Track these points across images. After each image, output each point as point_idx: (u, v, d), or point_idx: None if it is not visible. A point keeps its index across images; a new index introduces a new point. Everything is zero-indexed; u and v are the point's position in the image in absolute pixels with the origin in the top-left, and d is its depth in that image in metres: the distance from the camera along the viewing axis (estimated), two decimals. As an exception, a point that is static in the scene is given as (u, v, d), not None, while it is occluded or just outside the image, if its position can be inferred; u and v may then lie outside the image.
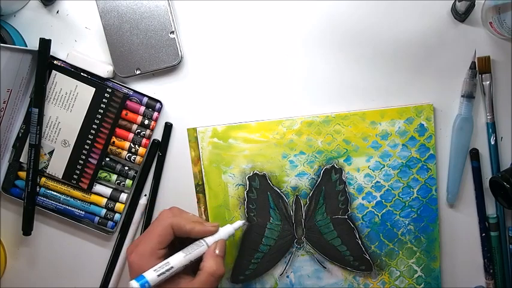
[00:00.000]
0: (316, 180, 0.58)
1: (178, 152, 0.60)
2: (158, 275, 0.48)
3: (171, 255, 0.50)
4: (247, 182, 0.59)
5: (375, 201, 0.59)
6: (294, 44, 0.58)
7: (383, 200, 0.59)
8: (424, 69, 0.57)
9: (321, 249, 0.59)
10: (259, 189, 0.59)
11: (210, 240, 0.52)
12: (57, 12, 0.59)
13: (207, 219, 0.59)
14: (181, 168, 0.60)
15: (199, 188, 0.59)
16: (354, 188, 0.59)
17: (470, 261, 0.59)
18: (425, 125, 0.57)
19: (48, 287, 0.62)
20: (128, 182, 0.59)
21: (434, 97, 0.57)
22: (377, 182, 0.58)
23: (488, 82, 0.56)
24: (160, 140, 0.59)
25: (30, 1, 0.59)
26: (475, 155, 0.58)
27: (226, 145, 0.58)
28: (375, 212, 0.59)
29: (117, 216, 0.60)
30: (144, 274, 0.48)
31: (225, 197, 0.59)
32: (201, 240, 0.51)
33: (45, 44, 0.56)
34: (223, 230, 0.53)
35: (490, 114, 0.57)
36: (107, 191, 0.60)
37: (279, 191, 0.59)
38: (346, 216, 0.59)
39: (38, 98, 0.57)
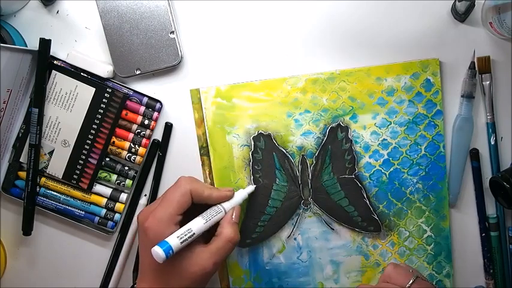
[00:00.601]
0: (322, 139, 0.58)
1: (180, 145, 0.60)
2: (181, 242, 0.47)
3: (185, 221, 0.50)
4: (252, 143, 0.58)
5: (382, 160, 0.58)
6: (294, 42, 0.58)
7: (390, 158, 0.58)
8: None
9: (328, 210, 0.59)
10: (265, 149, 0.58)
11: (226, 205, 0.53)
12: (57, 12, 0.59)
13: (212, 182, 0.58)
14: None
15: (204, 151, 0.58)
16: (360, 147, 0.58)
17: (470, 261, 0.59)
18: (431, 80, 0.56)
19: (48, 287, 0.62)
20: (128, 182, 0.59)
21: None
22: (384, 139, 0.57)
23: (488, 82, 0.56)
24: (160, 140, 0.59)
25: (30, 1, 0.59)
26: (475, 155, 0.57)
27: (230, 105, 0.58)
28: (382, 171, 0.58)
29: (117, 216, 0.60)
30: (167, 240, 0.47)
31: (230, 158, 0.58)
32: (219, 206, 0.52)
33: (45, 44, 0.56)
34: (238, 194, 0.55)
35: (490, 114, 0.57)
36: (107, 191, 0.60)
37: (284, 151, 0.58)
38: (353, 176, 0.58)
39: (38, 98, 0.57)
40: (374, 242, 0.59)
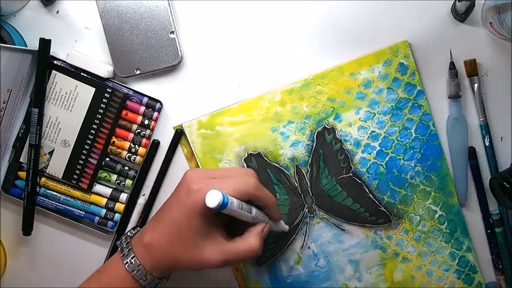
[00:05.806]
0: (312, 146, 0.58)
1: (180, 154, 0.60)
2: (237, 205, 0.45)
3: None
4: (245, 165, 0.58)
5: (375, 152, 0.58)
6: (294, 45, 0.58)
7: (383, 148, 0.58)
8: (423, 69, 0.57)
9: (335, 213, 0.59)
10: (258, 168, 0.58)
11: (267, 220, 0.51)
12: (57, 12, 0.59)
13: None
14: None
15: None
16: (351, 144, 0.58)
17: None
18: (405, 63, 0.56)
19: (48, 287, 0.62)
20: (128, 182, 0.59)
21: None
22: (372, 131, 0.58)
23: (476, 85, 0.56)
24: (159, 140, 0.59)
25: (30, 1, 0.59)
26: (472, 153, 0.58)
27: (215, 133, 0.58)
28: (378, 162, 0.58)
29: (117, 216, 0.60)
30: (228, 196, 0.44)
31: None
32: (265, 216, 0.51)
33: (45, 44, 0.56)
34: (280, 222, 0.54)
35: (482, 116, 0.57)
36: (107, 191, 0.60)
37: (277, 165, 0.58)
38: (351, 174, 0.58)
39: (38, 98, 0.57)
40: (387, 233, 0.59)
